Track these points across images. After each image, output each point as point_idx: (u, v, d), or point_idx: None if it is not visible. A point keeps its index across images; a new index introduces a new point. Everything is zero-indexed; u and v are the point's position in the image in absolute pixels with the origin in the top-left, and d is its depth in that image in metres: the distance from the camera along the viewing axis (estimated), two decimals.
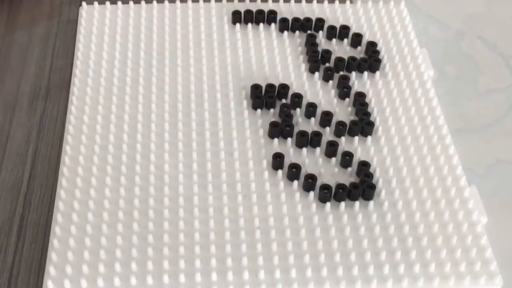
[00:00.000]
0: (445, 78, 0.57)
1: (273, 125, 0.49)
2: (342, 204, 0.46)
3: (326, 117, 0.50)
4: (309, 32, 0.57)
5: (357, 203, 0.46)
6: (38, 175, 0.49)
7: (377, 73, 0.54)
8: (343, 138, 0.50)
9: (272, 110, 0.51)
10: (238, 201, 0.46)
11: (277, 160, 0.48)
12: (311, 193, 0.46)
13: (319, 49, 0.55)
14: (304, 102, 0.52)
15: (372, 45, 0.56)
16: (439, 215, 0.46)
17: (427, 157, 0.49)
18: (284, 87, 0.52)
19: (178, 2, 0.59)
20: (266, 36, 0.57)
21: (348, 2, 0.60)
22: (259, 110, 0.51)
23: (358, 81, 0.54)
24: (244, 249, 0.43)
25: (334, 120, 0.51)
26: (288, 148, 0.49)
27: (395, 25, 0.58)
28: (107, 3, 0.58)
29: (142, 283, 0.42)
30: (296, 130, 0.50)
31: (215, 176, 0.47)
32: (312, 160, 0.48)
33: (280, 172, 0.47)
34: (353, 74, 0.54)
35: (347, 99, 0.52)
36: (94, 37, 0.56)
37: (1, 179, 0.49)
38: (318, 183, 0.47)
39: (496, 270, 0.43)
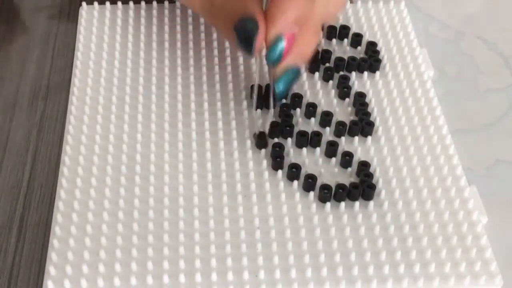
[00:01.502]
0: (445, 78, 0.57)
1: (273, 125, 0.49)
2: (342, 204, 0.46)
3: (326, 117, 0.50)
4: None
5: (357, 203, 0.46)
6: (38, 175, 0.49)
7: (377, 73, 0.54)
8: (343, 138, 0.50)
9: (272, 110, 0.51)
10: (238, 201, 0.46)
11: (277, 161, 0.48)
12: (311, 193, 0.46)
13: (319, 49, 0.55)
14: (304, 102, 0.52)
15: (372, 45, 0.56)
16: (439, 215, 0.46)
17: (427, 157, 0.49)
18: None
19: (178, 2, 0.59)
20: None
21: (348, 2, 0.60)
22: (259, 110, 0.51)
23: (358, 81, 0.54)
24: (244, 249, 0.43)
25: (334, 120, 0.51)
26: (288, 148, 0.49)
27: (395, 25, 0.58)
28: (107, 3, 0.58)
29: (142, 283, 0.42)
30: (296, 130, 0.50)
31: (215, 176, 0.47)
32: (312, 160, 0.48)
33: (280, 172, 0.47)
34: (353, 74, 0.54)
35: (347, 99, 0.52)
36: (94, 37, 0.56)
37: (1, 179, 0.49)
38: (318, 183, 0.47)
39: (496, 270, 0.43)
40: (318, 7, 0.45)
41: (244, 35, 0.44)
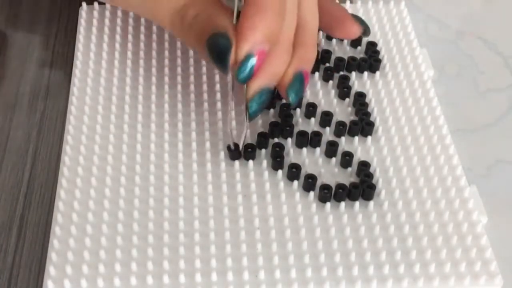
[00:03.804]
0: (445, 78, 0.57)
1: (273, 125, 0.49)
2: (342, 204, 0.46)
3: (326, 117, 0.50)
4: None
5: (357, 203, 0.46)
6: (38, 175, 0.49)
7: (377, 73, 0.54)
8: (343, 138, 0.50)
9: (272, 110, 0.51)
10: (238, 201, 0.46)
11: (277, 161, 0.48)
12: (311, 193, 0.46)
13: (319, 49, 0.55)
14: (304, 102, 0.52)
15: (372, 45, 0.56)
16: (439, 215, 0.46)
17: (427, 157, 0.49)
18: None
19: None
20: None
21: (348, 2, 0.60)
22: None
23: (358, 81, 0.54)
24: (244, 249, 0.43)
25: (334, 120, 0.51)
26: (288, 148, 0.49)
27: (395, 25, 0.58)
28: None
29: (142, 283, 0.42)
30: (296, 130, 0.50)
31: (215, 176, 0.47)
32: (312, 160, 0.48)
33: (280, 172, 0.47)
34: (353, 74, 0.54)
35: (347, 99, 0.52)
36: (94, 37, 0.56)
37: (1, 179, 0.49)
38: (318, 183, 0.47)
39: (496, 270, 0.43)
40: (288, 26, 0.45)
41: (217, 52, 0.43)
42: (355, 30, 0.51)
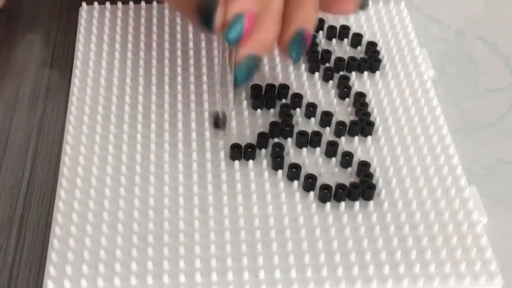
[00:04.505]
0: (445, 78, 0.57)
1: (273, 125, 0.49)
2: (342, 204, 0.46)
3: (326, 117, 0.50)
4: None
5: (357, 203, 0.46)
6: (38, 175, 0.49)
7: (377, 73, 0.54)
8: (343, 138, 0.50)
9: (272, 110, 0.51)
10: (238, 201, 0.46)
11: (277, 161, 0.48)
12: (311, 193, 0.46)
13: (319, 49, 0.55)
14: (304, 102, 0.52)
15: (372, 45, 0.56)
16: (439, 215, 0.46)
17: (427, 157, 0.49)
18: (284, 87, 0.52)
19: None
20: None
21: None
22: (259, 110, 0.51)
23: (358, 81, 0.54)
24: (244, 249, 0.43)
25: (334, 120, 0.51)
26: (288, 148, 0.49)
27: (395, 25, 0.58)
28: (107, 3, 0.58)
29: (142, 283, 0.42)
30: (296, 130, 0.50)
31: (215, 176, 0.47)
32: (312, 160, 0.48)
33: (280, 172, 0.47)
34: (353, 74, 0.54)
35: (347, 99, 0.52)
36: (94, 37, 0.56)
37: (1, 179, 0.49)
38: (318, 183, 0.47)
39: (496, 270, 0.43)
40: None
41: (204, 12, 0.42)
42: (352, 5, 0.47)
